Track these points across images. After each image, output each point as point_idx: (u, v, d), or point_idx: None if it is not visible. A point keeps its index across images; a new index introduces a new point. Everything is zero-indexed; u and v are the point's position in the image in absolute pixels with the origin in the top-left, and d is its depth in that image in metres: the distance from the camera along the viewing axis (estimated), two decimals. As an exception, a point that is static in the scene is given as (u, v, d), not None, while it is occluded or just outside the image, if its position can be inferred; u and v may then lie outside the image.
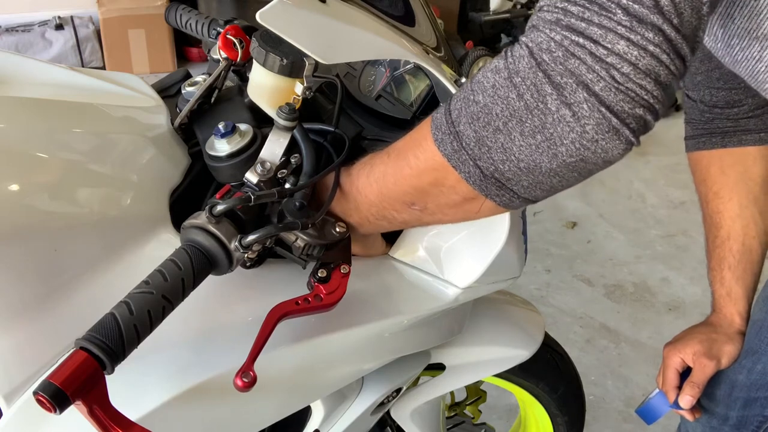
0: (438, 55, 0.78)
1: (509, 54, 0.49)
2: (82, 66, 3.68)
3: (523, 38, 0.49)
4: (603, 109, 0.45)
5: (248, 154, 0.65)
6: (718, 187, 0.98)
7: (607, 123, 0.46)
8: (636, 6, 0.45)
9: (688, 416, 1.01)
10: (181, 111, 0.74)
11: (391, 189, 0.59)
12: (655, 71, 0.45)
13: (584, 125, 0.46)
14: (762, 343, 0.91)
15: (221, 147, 0.65)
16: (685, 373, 0.98)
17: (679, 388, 0.98)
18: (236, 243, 0.56)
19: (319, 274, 0.61)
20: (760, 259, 0.97)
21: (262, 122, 0.71)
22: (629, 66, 0.45)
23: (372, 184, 0.61)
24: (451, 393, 1.25)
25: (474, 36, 3.80)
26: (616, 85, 0.45)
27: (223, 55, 0.74)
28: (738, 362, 0.95)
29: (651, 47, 0.45)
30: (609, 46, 0.45)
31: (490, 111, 0.49)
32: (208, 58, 0.81)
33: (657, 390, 1.03)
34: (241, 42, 0.74)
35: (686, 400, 0.96)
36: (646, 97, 0.46)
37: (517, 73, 0.48)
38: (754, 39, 0.49)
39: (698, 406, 1.01)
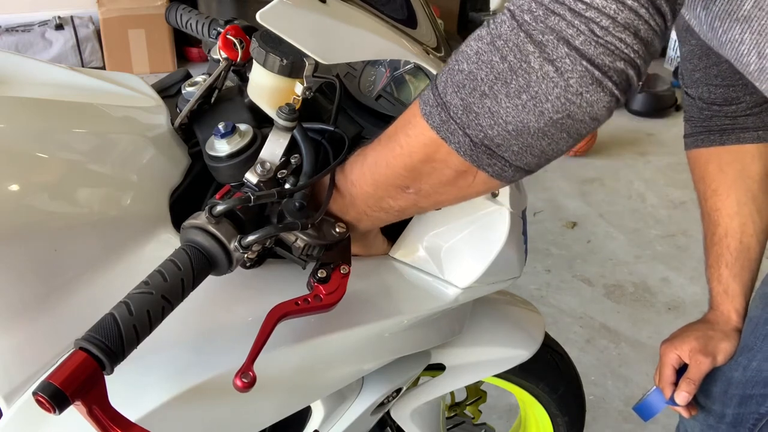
0: (438, 55, 0.78)
1: (491, 21, 0.50)
2: (82, 66, 3.68)
3: (506, 4, 0.50)
4: (585, 62, 0.46)
5: (248, 155, 0.65)
6: (717, 184, 0.98)
7: (590, 75, 0.47)
8: None
9: (684, 413, 1.01)
10: (181, 111, 0.74)
11: (384, 174, 0.59)
12: (634, 25, 0.46)
13: (568, 79, 0.47)
14: (757, 340, 0.91)
15: (221, 147, 0.65)
16: (681, 371, 0.99)
17: (676, 384, 0.98)
18: (236, 243, 0.56)
19: (319, 275, 0.61)
20: (757, 256, 0.97)
21: (262, 122, 0.71)
22: (608, 19, 0.46)
23: (366, 174, 0.61)
24: (451, 393, 1.25)
25: (474, 36, 3.80)
26: (595, 38, 0.46)
27: (223, 55, 0.74)
28: (734, 359, 0.95)
29: (629, 1, 0.46)
30: (588, 0, 0.46)
31: (475, 77, 0.50)
32: (208, 58, 0.81)
33: (654, 387, 1.03)
34: (241, 42, 0.74)
35: (682, 396, 0.96)
36: (626, 50, 0.47)
37: (499, 36, 0.49)
38: (734, 21, 0.49)
39: (695, 404, 1.01)
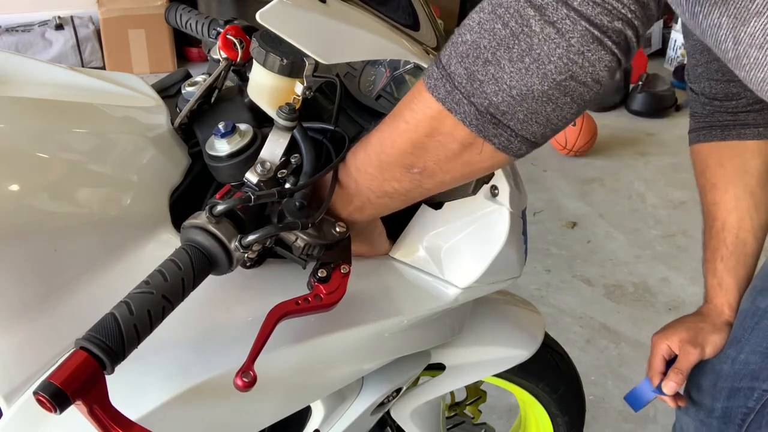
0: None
1: None
2: (82, 66, 3.68)
3: None
4: (584, 22, 0.48)
5: (248, 154, 0.65)
6: (716, 179, 0.99)
7: (590, 35, 0.48)
8: None
9: (671, 403, 1.01)
10: (181, 111, 0.74)
11: (389, 154, 0.59)
12: None
13: (569, 39, 0.48)
14: (745, 332, 0.92)
15: (221, 147, 0.66)
16: (673, 362, 0.99)
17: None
18: (236, 243, 0.56)
19: (319, 274, 0.61)
20: (754, 252, 0.98)
21: (262, 122, 0.71)
22: None
23: (370, 156, 0.61)
24: (451, 393, 1.25)
25: (474, 36, 3.79)
26: None
27: (223, 55, 0.74)
28: (723, 352, 0.96)
29: None
30: None
31: (478, 45, 0.51)
32: (208, 58, 0.81)
33: (645, 377, 1.03)
34: (241, 42, 0.74)
35: (669, 385, 0.97)
36: (623, 11, 0.48)
37: (500, 5, 0.50)
38: (713, 5, 0.50)
39: (687, 398, 1.02)
